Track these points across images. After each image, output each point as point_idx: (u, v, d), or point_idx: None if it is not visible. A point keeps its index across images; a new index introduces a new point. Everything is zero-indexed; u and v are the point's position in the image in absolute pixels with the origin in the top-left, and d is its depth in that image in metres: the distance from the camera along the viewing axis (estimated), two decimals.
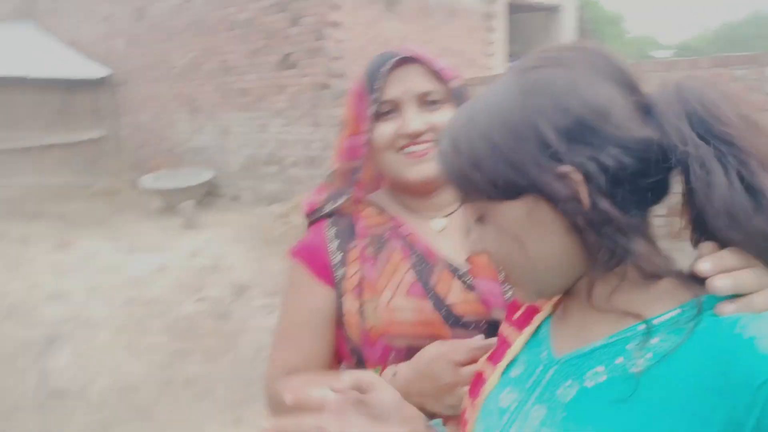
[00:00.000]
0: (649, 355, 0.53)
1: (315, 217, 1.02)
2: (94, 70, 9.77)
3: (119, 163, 10.02)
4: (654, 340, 0.54)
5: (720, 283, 0.51)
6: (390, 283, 0.92)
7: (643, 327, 0.55)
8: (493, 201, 0.58)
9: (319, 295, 0.96)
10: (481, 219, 0.61)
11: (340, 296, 0.95)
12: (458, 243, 0.96)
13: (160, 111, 9.31)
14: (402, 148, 0.94)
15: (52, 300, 4.73)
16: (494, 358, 0.71)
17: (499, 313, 0.89)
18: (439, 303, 0.90)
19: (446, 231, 0.98)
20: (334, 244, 0.97)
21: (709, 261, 0.53)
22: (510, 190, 0.57)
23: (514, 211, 0.57)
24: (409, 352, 0.88)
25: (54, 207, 8.48)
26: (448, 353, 0.84)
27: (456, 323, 0.89)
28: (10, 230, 7.02)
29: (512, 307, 0.76)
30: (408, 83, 0.93)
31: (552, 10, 10.67)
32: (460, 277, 0.93)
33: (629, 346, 0.55)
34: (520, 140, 0.56)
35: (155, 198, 8.34)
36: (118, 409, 3.10)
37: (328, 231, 0.99)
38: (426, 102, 0.94)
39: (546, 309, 0.69)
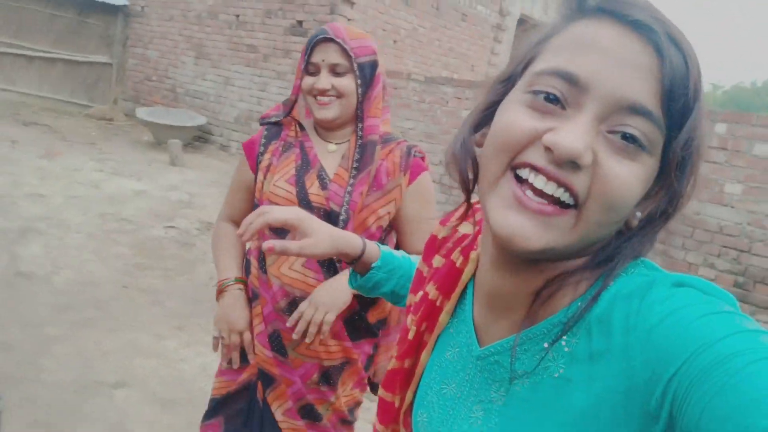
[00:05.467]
0: (568, 350, 0.53)
1: (263, 123, 1.54)
2: None
3: (119, 91, 10.25)
4: (572, 340, 0.53)
5: None
6: (280, 171, 1.43)
7: (557, 324, 0.55)
8: (662, 128, 0.51)
9: (246, 174, 1.53)
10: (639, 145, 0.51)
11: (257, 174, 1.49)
12: (337, 162, 1.45)
13: (169, 50, 9.54)
14: (314, 96, 1.41)
15: (31, 199, 5.04)
16: (424, 317, 0.71)
17: (334, 207, 1.38)
18: (302, 191, 1.40)
19: (334, 153, 1.46)
20: (262, 142, 1.51)
21: None
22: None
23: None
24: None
25: (48, 119, 8.71)
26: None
27: (306, 205, 1.39)
28: (3, 131, 7.27)
29: (430, 244, 0.76)
30: (325, 55, 1.39)
31: None
32: (321, 179, 1.42)
33: (546, 344, 0.55)
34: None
35: (146, 131, 8.61)
36: (78, 297, 3.45)
37: (264, 133, 1.52)
38: (335, 70, 1.39)
39: (468, 267, 0.68)
